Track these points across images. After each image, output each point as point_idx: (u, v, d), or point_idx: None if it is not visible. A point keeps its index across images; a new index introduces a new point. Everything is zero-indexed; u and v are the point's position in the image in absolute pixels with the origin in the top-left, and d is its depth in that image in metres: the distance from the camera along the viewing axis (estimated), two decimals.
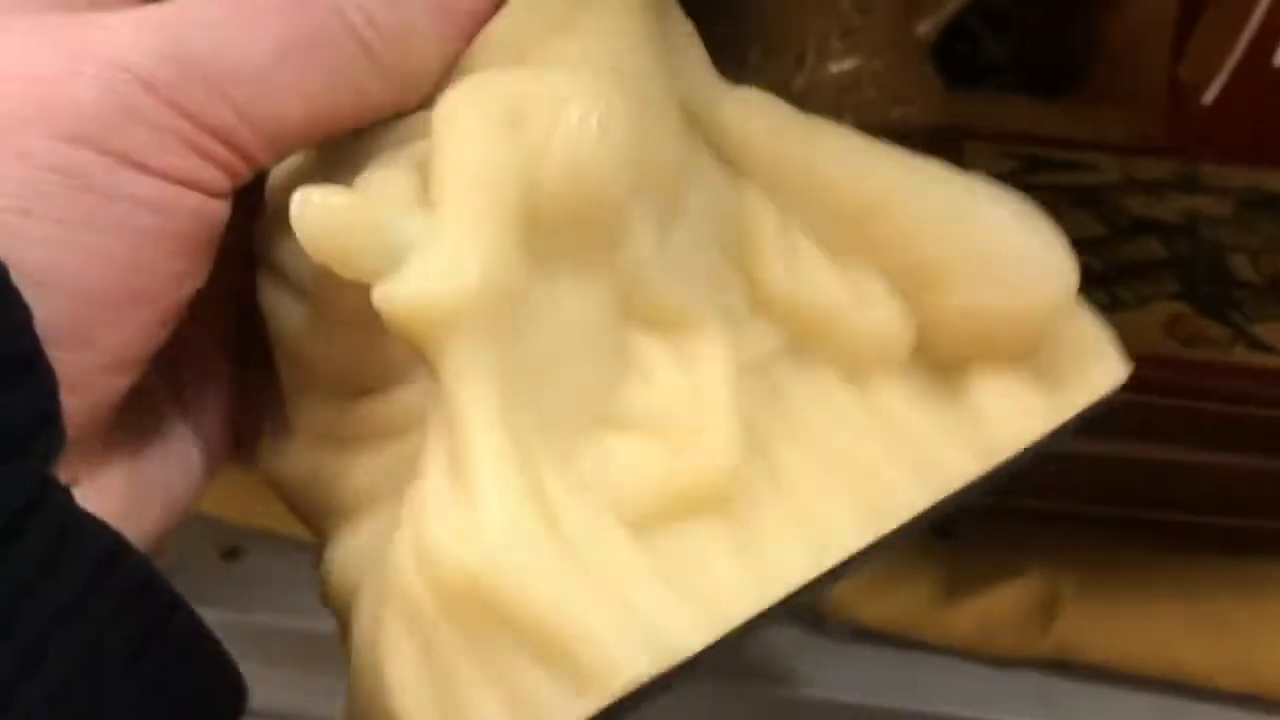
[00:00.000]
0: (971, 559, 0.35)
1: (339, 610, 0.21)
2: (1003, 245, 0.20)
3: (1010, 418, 0.21)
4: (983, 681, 0.34)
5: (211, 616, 0.38)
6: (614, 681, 0.16)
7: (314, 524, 0.22)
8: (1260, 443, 0.33)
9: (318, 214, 0.17)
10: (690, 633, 0.17)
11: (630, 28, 0.20)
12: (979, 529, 0.36)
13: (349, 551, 0.20)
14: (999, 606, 0.34)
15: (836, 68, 0.45)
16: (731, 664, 0.34)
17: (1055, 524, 0.36)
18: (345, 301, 0.19)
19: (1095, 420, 0.34)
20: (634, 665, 0.16)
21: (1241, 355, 0.34)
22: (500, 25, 0.20)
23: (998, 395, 0.21)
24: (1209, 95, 0.47)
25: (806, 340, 0.21)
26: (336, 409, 0.21)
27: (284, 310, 0.21)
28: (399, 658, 0.18)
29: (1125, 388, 0.33)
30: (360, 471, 0.20)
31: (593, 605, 0.17)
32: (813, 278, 0.21)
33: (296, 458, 0.22)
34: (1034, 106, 0.54)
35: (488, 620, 0.17)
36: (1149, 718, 0.33)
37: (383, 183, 0.18)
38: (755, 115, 0.21)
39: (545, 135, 0.18)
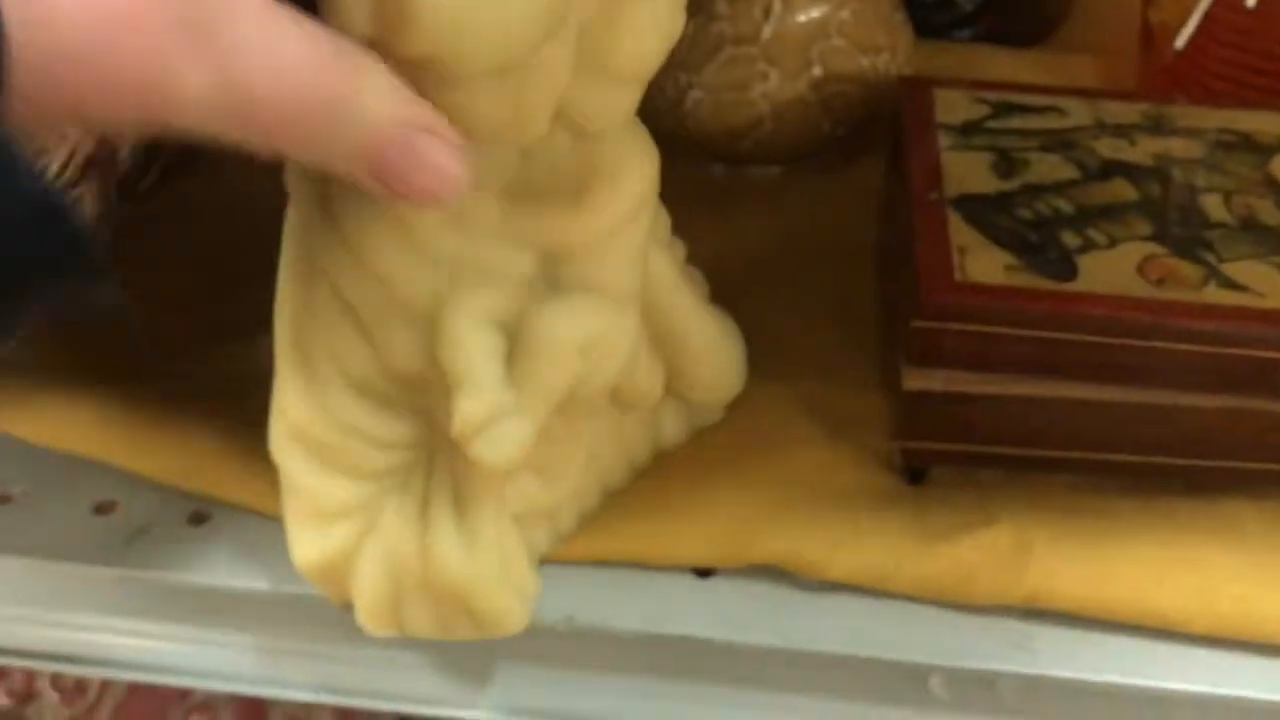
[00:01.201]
0: (942, 508, 0.35)
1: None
2: (726, 371, 0.38)
3: (673, 430, 0.38)
4: (956, 629, 0.33)
5: (179, 580, 0.38)
6: (510, 628, 0.32)
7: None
8: (1233, 383, 0.33)
9: (468, 420, 0.29)
10: (535, 585, 0.33)
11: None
12: (949, 478, 0.36)
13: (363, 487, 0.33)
14: (971, 555, 0.33)
15: (804, 16, 0.45)
16: (708, 619, 0.34)
17: (1027, 470, 0.35)
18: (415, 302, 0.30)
19: (1065, 362, 0.33)
20: (520, 619, 0.32)
21: (1213, 295, 0.33)
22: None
23: (671, 416, 0.38)
24: (1181, 39, 0.46)
25: (620, 401, 0.35)
26: (362, 408, 0.32)
27: (355, 285, 0.30)
28: (378, 549, 0.32)
29: (1098, 330, 0.33)
30: (373, 457, 0.32)
31: (505, 593, 0.32)
32: (649, 381, 0.35)
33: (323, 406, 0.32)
34: (1005, 57, 0.54)
35: (448, 597, 0.32)
36: (1124, 661, 0.33)
37: (492, 373, 0.29)
38: (656, 266, 0.34)
39: (599, 366, 0.31)
